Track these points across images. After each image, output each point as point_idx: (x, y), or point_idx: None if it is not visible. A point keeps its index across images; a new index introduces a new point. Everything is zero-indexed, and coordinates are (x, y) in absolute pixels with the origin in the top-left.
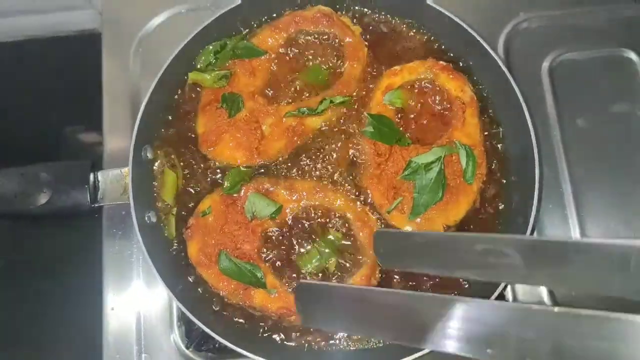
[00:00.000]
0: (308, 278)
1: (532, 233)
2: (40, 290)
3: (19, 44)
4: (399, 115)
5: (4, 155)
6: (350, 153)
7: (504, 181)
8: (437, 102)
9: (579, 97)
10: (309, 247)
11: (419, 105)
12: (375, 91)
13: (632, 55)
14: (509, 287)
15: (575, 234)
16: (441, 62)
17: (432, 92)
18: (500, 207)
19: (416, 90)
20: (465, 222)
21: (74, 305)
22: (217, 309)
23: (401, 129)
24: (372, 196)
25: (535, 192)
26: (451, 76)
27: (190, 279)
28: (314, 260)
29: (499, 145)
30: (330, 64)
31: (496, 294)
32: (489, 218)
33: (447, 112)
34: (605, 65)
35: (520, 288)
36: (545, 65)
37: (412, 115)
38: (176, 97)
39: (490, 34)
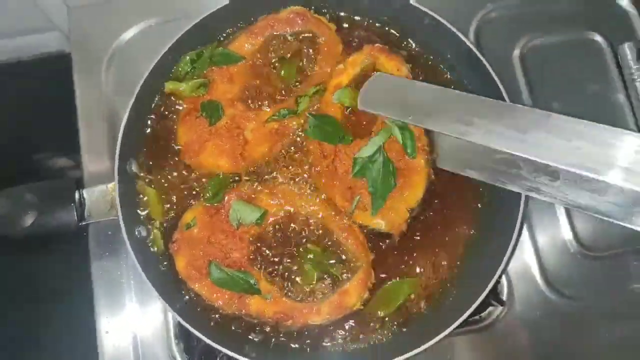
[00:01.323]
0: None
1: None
2: (31, 318)
3: None
4: (350, 116)
5: None
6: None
7: None
8: None
9: (552, 81)
10: (300, 250)
11: None
12: (325, 92)
13: (598, 37)
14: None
15: (566, 229)
16: (377, 44)
17: None
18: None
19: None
20: (431, 200)
21: (67, 332)
22: (214, 320)
23: (349, 127)
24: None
25: None
26: (388, 57)
27: (187, 293)
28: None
29: None
30: (307, 62)
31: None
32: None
33: None
34: (574, 49)
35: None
36: (516, 52)
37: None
38: (155, 109)
39: (459, 27)
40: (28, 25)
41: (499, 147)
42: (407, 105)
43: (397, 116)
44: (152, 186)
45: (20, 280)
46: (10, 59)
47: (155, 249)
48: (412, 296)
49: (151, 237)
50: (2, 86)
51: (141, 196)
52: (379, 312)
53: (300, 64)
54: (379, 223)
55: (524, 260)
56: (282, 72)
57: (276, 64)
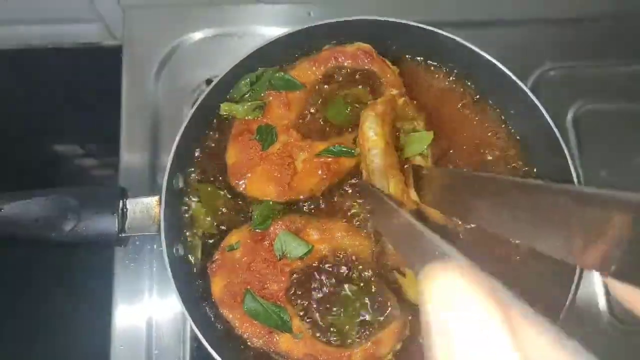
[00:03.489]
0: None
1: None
2: (41, 323)
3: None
4: None
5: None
6: None
7: None
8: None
9: (602, 149)
10: (339, 290)
11: None
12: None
13: None
14: None
15: (599, 287)
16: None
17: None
18: None
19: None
20: None
21: (79, 343)
22: (241, 351)
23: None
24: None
25: None
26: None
27: (216, 317)
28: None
29: None
30: (368, 101)
31: None
32: None
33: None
34: (628, 119)
35: None
36: (570, 115)
37: None
38: (208, 125)
39: None
40: (72, 13)
41: None
42: None
43: None
44: (198, 202)
45: (38, 278)
46: (49, 44)
47: (192, 257)
48: None
49: (190, 245)
50: (38, 71)
51: (184, 213)
52: None
53: (358, 105)
54: None
55: None
56: (329, 110)
57: (335, 97)
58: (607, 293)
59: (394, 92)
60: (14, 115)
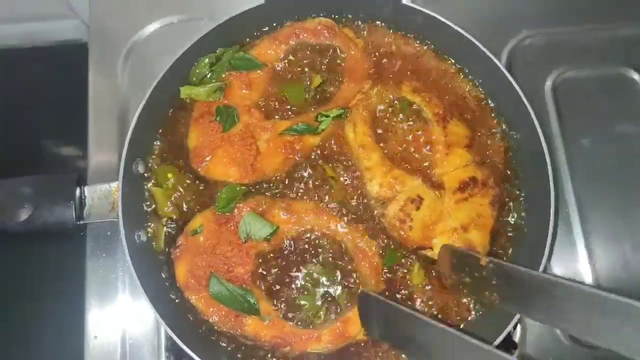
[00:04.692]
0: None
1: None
2: (16, 317)
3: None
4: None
5: None
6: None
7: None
8: None
9: (582, 116)
10: (306, 270)
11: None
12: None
13: (634, 75)
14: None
15: (582, 254)
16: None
17: None
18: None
19: None
20: None
21: (53, 334)
22: (208, 336)
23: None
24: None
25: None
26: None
27: (182, 304)
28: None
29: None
30: (330, 77)
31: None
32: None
33: None
34: (608, 84)
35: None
36: (549, 83)
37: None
38: (168, 108)
39: (492, 51)
40: (46, 10)
41: None
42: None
43: None
44: (161, 187)
45: (7, 273)
46: (24, 43)
47: (155, 246)
48: None
49: (152, 235)
50: (13, 70)
51: (146, 199)
52: None
53: (322, 80)
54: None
55: None
56: (289, 90)
57: (299, 75)
58: (593, 265)
59: (366, 86)
60: None
